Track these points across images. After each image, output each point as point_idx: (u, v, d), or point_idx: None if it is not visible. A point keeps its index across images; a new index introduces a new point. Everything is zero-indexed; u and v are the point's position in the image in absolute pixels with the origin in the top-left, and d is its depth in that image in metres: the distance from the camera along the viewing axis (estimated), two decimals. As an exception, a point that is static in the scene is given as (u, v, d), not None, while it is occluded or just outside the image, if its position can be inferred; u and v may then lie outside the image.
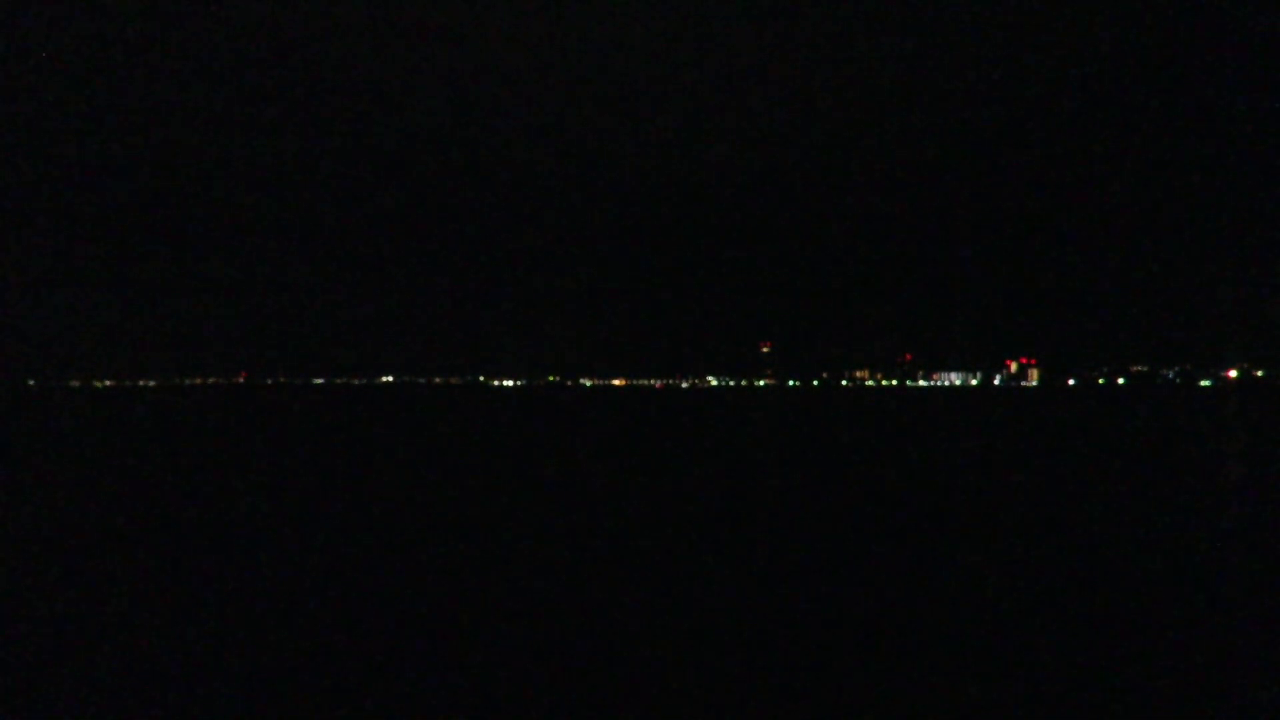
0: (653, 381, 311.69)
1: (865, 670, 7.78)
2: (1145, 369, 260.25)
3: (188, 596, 10.29)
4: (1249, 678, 7.59)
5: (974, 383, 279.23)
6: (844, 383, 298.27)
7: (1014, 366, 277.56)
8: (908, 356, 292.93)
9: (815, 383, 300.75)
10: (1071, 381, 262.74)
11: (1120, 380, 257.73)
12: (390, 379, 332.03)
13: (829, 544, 13.35)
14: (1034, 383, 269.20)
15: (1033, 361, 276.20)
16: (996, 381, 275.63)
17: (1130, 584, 10.83)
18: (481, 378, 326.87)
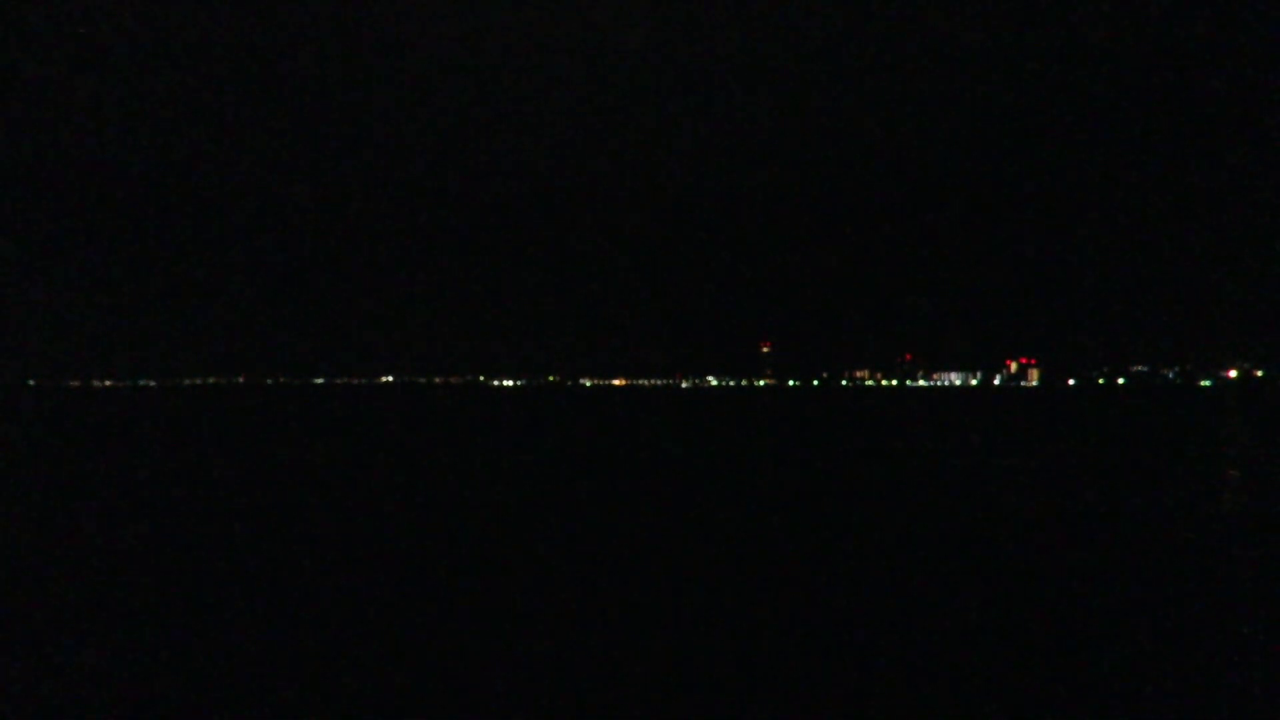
0: (653, 381, 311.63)
1: (863, 671, 7.78)
2: (1145, 369, 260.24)
3: (187, 596, 10.28)
4: (1250, 677, 7.59)
5: (974, 383, 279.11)
6: (844, 383, 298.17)
7: (1014, 366, 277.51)
8: (908, 356, 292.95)
9: (815, 383, 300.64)
10: (1071, 381, 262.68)
11: (1120, 380, 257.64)
12: (390, 379, 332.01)
13: (827, 543, 13.35)
14: (1034, 383, 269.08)
15: (1033, 361, 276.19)
16: (996, 381, 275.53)
17: (1130, 583, 10.83)
18: (481, 378, 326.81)
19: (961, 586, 10.63)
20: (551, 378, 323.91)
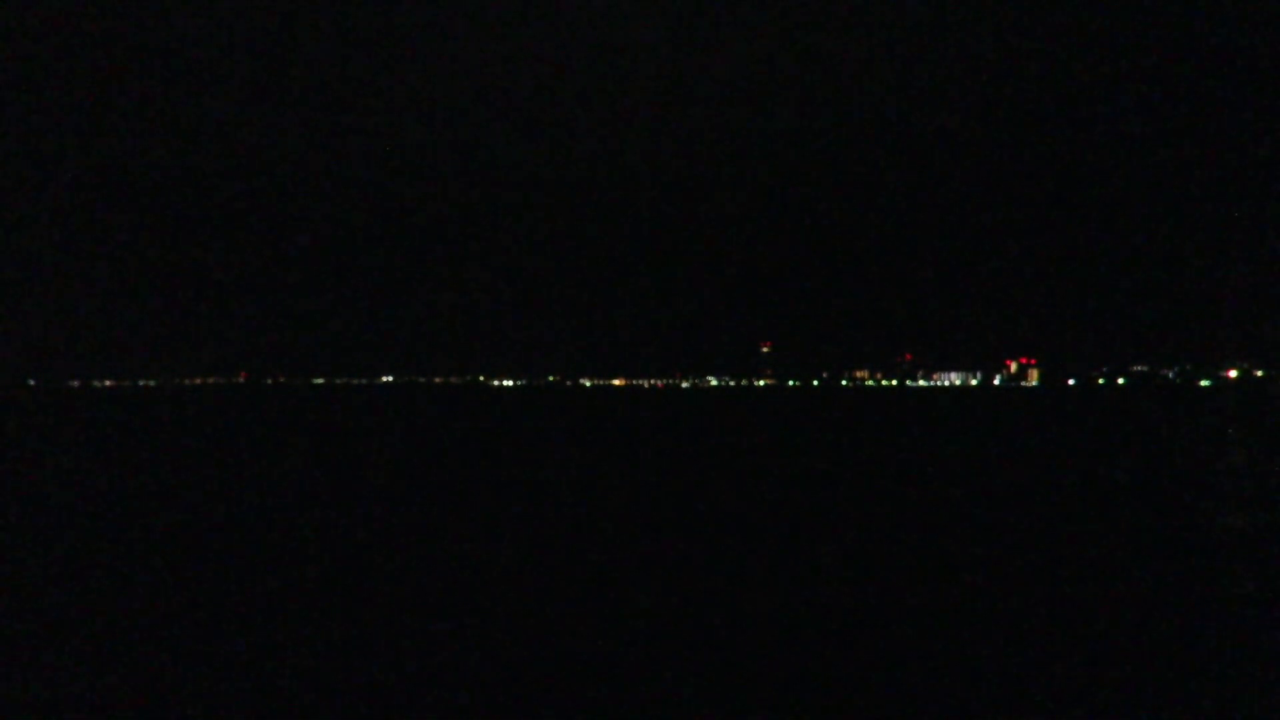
0: (653, 381, 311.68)
1: (862, 670, 7.78)
2: (1145, 369, 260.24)
3: (187, 595, 10.28)
4: (1249, 677, 7.59)
5: (974, 383, 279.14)
6: (844, 383, 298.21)
7: (1014, 366, 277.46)
8: (908, 356, 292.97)
9: (815, 383, 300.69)
10: (1071, 381, 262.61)
11: (1120, 380, 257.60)
12: (390, 379, 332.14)
13: (828, 544, 13.35)
14: (1034, 383, 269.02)
15: (1033, 361, 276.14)
16: (996, 381, 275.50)
17: (1129, 583, 10.83)
18: (481, 378, 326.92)
19: (960, 587, 10.63)
20: (551, 378, 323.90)
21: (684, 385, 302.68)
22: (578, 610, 9.64)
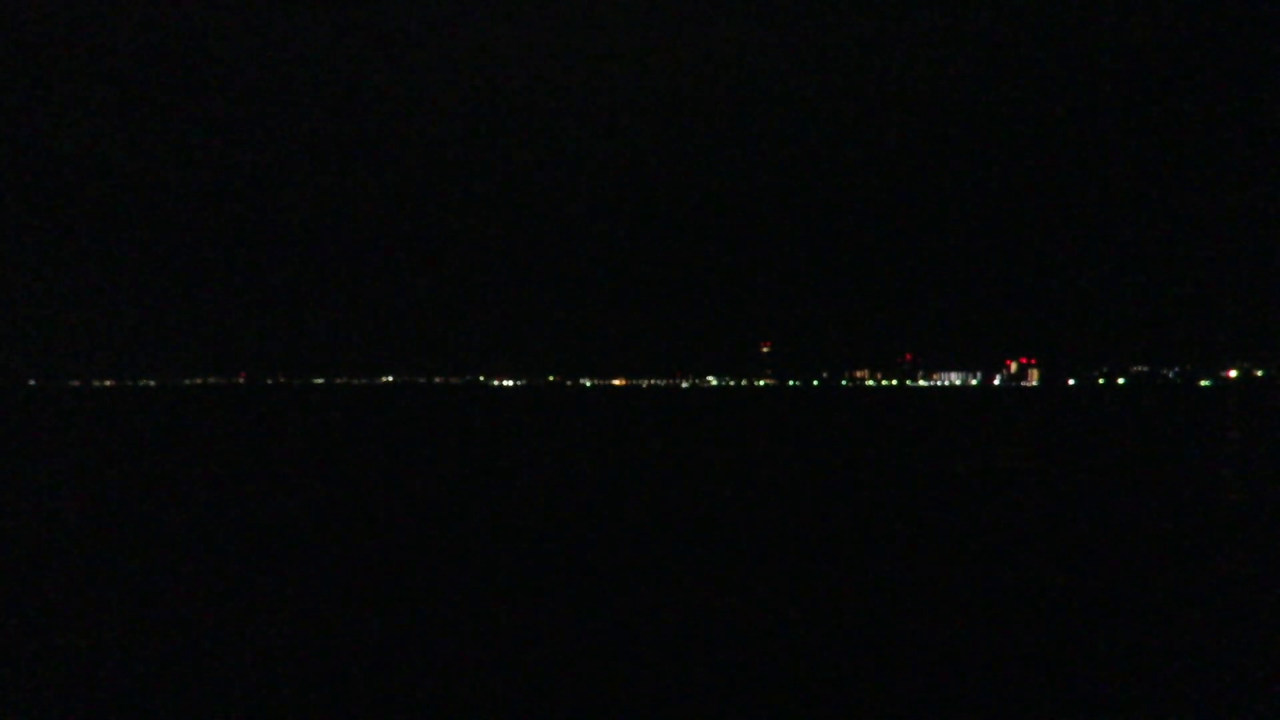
0: (653, 381, 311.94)
1: (863, 677, 7.77)
2: (1145, 369, 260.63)
3: (186, 597, 10.27)
4: (1249, 678, 7.58)
5: (974, 383, 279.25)
6: (844, 383, 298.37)
7: (1014, 366, 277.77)
8: (908, 356, 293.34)
9: (815, 383, 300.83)
10: (1071, 381, 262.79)
11: (1120, 380, 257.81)
12: (390, 379, 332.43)
13: (829, 547, 13.35)
14: (1034, 383, 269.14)
15: (1033, 361, 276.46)
16: (996, 381, 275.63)
17: (1128, 586, 10.82)
18: (481, 378, 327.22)
19: (956, 588, 10.62)
20: (551, 378, 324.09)
21: (684, 385, 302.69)
22: (575, 613, 9.63)
